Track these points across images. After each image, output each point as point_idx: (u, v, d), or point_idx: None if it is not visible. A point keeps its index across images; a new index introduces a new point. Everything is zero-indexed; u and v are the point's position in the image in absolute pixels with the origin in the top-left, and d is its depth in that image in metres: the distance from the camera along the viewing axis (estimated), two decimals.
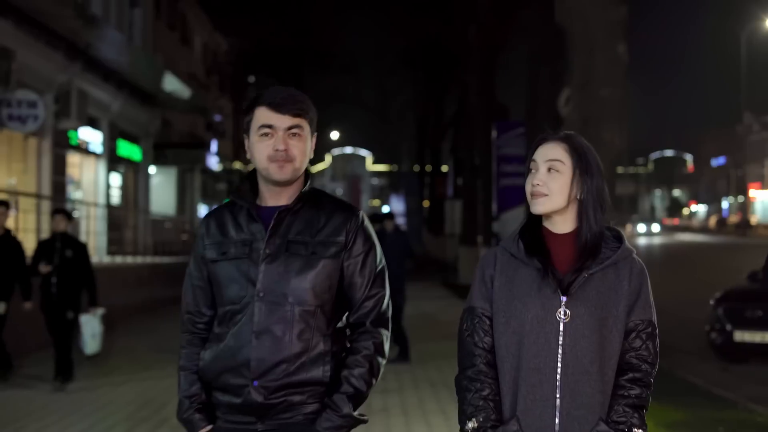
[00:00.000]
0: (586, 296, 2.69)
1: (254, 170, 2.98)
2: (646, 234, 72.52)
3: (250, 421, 2.86)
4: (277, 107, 2.87)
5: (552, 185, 2.74)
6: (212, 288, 2.97)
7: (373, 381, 2.90)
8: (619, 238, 2.79)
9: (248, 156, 2.96)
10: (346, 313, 2.98)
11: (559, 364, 2.68)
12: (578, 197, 2.76)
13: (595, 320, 2.67)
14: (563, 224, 2.79)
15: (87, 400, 9.13)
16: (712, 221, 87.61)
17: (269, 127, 2.87)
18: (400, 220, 56.65)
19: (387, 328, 2.97)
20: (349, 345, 2.94)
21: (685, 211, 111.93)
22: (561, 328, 2.69)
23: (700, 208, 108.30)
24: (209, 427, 2.90)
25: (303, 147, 2.90)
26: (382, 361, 2.93)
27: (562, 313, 2.69)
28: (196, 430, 2.91)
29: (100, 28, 19.66)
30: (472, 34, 23.07)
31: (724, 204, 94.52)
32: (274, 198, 2.94)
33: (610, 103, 10.88)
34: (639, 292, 2.72)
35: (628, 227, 77.21)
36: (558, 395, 2.67)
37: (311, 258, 2.87)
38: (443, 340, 13.31)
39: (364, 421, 2.90)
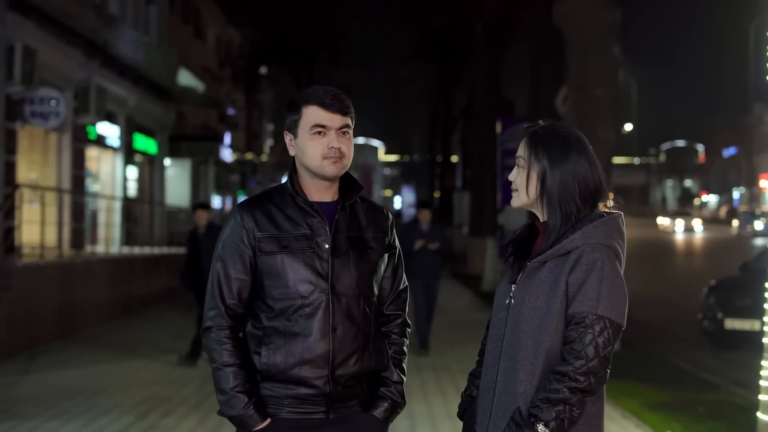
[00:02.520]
0: (528, 285, 2.65)
1: (294, 166, 3.02)
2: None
3: (319, 411, 2.91)
4: (329, 107, 2.95)
5: (517, 181, 2.75)
6: (255, 280, 2.96)
7: None
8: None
9: (291, 152, 3.01)
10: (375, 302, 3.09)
11: (502, 350, 2.69)
12: (540, 188, 2.69)
13: (531, 310, 2.62)
14: (542, 215, 2.75)
15: (111, 381, 9.55)
16: (723, 211, 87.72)
17: (323, 126, 2.94)
18: (411, 211, 56.97)
19: None
20: (387, 334, 3.12)
21: (696, 202, 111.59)
22: (507, 314, 2.70)
23: (711, 199, 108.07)
24: (268, 421, 2.89)
25: (351, 145, 3.00)
26: None
27: (510, 300, 2.71)
28: (256, 425, 2.87)
29: (117, 26, 20.24)
30: (478, 31, 23.51)
31: (735, 194, 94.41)
32: (319, 194, 2.99)
33: (605, 102, 11.35)
34: (582, 283, 2.56)
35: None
36: (497, 379, 2.68)
37: (369, 253, 3.01)
38: (448, 328, 13.72)
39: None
